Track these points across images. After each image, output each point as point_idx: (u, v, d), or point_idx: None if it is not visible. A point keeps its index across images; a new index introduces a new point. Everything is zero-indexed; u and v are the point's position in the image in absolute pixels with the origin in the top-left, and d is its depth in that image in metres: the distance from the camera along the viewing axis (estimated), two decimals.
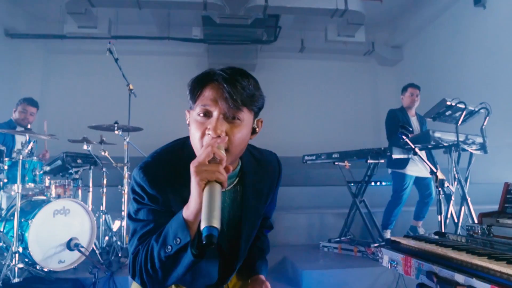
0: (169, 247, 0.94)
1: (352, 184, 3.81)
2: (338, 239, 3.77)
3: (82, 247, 2.87)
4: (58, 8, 7.11)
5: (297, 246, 3.98)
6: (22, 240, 2.71)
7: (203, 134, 0.99)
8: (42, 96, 8.81)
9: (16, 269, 2.59)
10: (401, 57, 8.90)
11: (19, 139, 3.68)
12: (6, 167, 2.91)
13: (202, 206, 0.85)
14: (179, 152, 1.11)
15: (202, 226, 0.81)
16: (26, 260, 2.75)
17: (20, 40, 8.16)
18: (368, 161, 3.49)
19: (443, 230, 2.15)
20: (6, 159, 2.92)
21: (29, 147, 2.98)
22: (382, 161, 3.59)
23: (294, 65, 9.23)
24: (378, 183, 3.83)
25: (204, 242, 0.80)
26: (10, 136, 3.63)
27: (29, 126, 3.30)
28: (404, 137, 2.07)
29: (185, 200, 1.00)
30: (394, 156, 3.37)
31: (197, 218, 0.92)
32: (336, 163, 3.80)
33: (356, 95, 9.14)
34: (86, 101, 8.28)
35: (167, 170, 1.06)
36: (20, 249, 2.64)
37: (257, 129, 1.14)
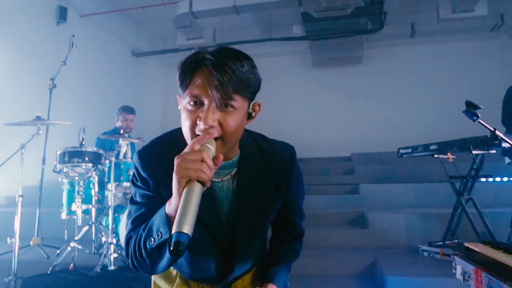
0: (152, 239, 0.93)
1: (464, 181, 3.29)
2: (441, 242, 3.29)
3: None
4: (171, 25, 7.82)
5: (393, 249, 3.60)
6: (115, 233, 3.03)
7: (193, 123, 0.94)
8: (163, 106, 9.87)
9: (112, 258, 2.91)
10: None
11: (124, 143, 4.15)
12: (106, 169, 3.30)
13: (178, 208, 0.80)
14: (176, 139, 1.06)
15: (173, 230, 0.76)
16: (120, 251, 3.06)
17: (143, 58, 9.26)
18: (472, 152, 2.95)
19: None
20: (107, 161, 3.30)
21: (124, 150, 3.33)
22: (494, 151, 3.00)
23: (404, 53, 8.48)
24: (491, 179, 3.20)
25: (171, 249, 0.75)
26: (115, 142, 4.11)
27: (122, 132, 3.67)
28: (475, 118, 1.68)
29: None
30: (504, 145, 2.77)
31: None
32: (436, 155, 3.32)
33: (481, 78, 7.92)
34: None
35: (161, 156, 1.05)
36: (114, 241, 2.96)
37: (253, 113, 1.04)
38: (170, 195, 0.95)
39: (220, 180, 1.09)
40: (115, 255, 2.92)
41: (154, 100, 9.57)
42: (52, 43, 6.21)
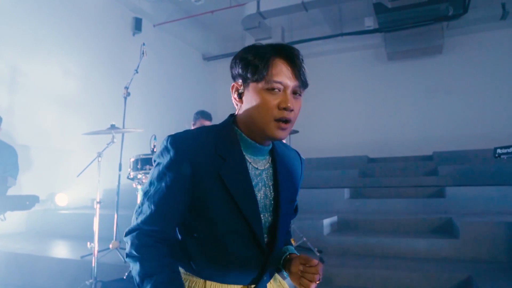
0: None
1: None
2: None
3: None
4: (239, 27, 7.86)
5: (490, 264, 3.15)
6: None
7: (274, 107, 1.01)
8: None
9: None
10: None
11: None
12: None
13: None
14: (213, 127, 1.11)
15: None
16: None
17: (214, 61, 9.44)
18: None
19: None
20: None
21: None
22: None
23: (493, 38, 7.64)
24: None
25: None
26: None
27: None
28: None
29: (215, 167, 1.00)
30: None
31: None
32: None
33: None
34: None
35: (199, 137, 1.05)
36: None
37: None
38: (209, 180, 0.99)
39: (264, 168, 1.11)
40: None
41: (225, 103, 9.70)
42: (129, 53, 6.54)
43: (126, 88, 3.75)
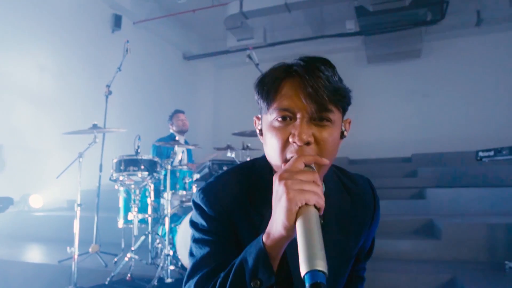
0: None
1: None
2: None
3: None
4: (221, 27, 7.78)
5: (472, 265, 3.20)
6: (172, 244, 2.94)
7: (284, 144, 0.78)
8: (215, 107, 9.89)
9: (169, 270, 2.82)
10: None
11: (179, 150, 4.08)
12: (162, 177, 3.23)
13: (299, 242, 0.62)
14: (247, 171, 0.92)
15: (303, 271, 0.58)
16: (180, 263, 2.97)
17: (195, 61, 9.33)
18: None
19: None
20: (163, 169, 3.23)
21: (179, 157, 3.24)
22: None
23: (469, 44, 7.82)
24: None
25: None
26: (171, 149, 4.05)
27: (177, 138, 3.61)
28: None
29: (255, 226, 0.84)
30: None
31: (281, 251, 0.73)
32: None
33: None
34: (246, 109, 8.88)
35: (232, 191, 0.87)
36: (171, 252, 2.87)
37: (345, 132, 0.89)
38: (247, 235, 0.82)
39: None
40: (172, 267, 2.84)
41: (206, 102, 9.63)
42: (108, 50, 6.37)
43: (108, 86, 3.64)
